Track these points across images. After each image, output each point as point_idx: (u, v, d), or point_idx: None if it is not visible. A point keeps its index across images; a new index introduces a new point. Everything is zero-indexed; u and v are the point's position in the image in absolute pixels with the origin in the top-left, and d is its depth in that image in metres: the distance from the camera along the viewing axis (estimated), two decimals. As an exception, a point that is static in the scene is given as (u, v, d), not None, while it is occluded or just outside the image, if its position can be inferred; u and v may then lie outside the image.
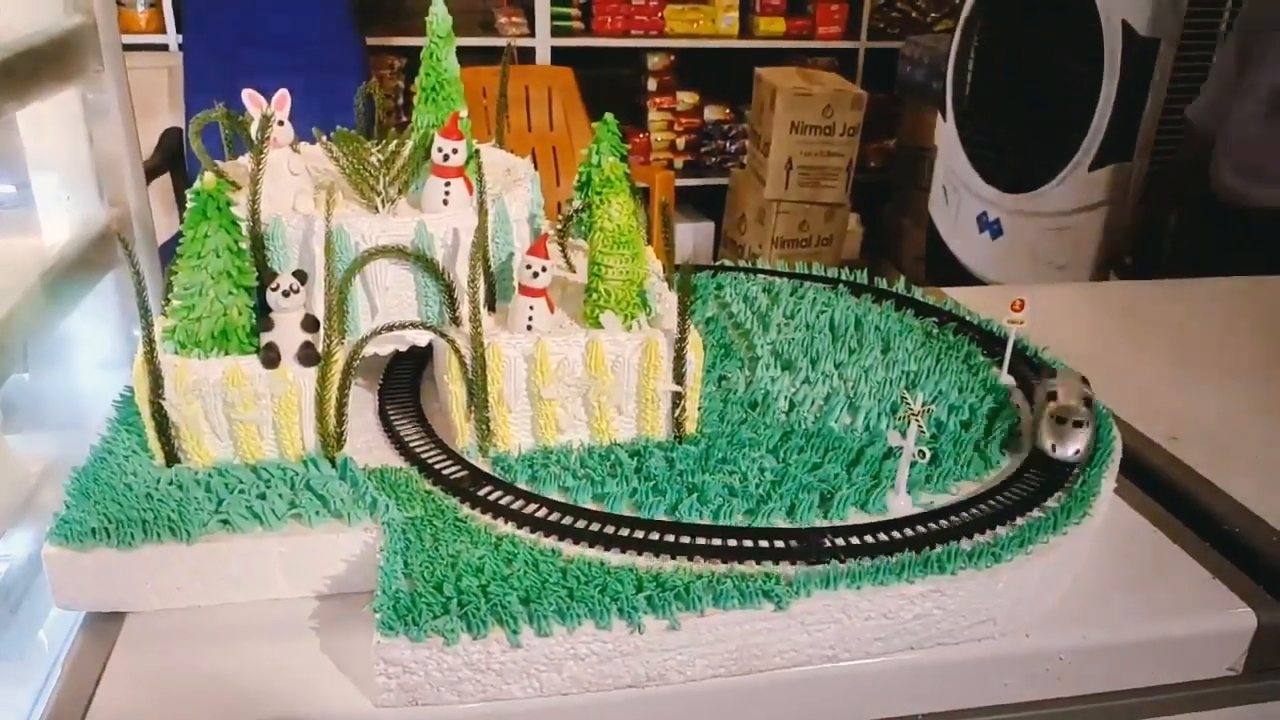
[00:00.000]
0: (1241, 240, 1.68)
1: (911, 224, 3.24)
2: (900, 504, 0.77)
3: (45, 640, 0.88)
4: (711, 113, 3.33)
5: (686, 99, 3.29)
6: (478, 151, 0.84)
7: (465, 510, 0.74)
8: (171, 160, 2.37)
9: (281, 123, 0.80)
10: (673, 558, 0.69)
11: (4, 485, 0.89)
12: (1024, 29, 2.43)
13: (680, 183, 3.10)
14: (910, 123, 3.29)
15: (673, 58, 3.23)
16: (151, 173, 2.26)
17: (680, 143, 3.32)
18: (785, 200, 3.07)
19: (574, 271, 0.91)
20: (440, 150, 0.80)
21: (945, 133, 2.66)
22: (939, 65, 2.74)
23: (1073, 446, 0.80)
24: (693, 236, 3.31)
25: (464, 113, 0.84)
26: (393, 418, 0.85)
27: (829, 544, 0.70)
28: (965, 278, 2.56)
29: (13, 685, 0.83)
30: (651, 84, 3.25)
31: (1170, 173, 1.92)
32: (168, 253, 0.75)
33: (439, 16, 0.84)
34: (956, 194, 2.62)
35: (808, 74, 3.10)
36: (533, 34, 2.98)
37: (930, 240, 2.79)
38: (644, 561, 0.69)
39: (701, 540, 0.70)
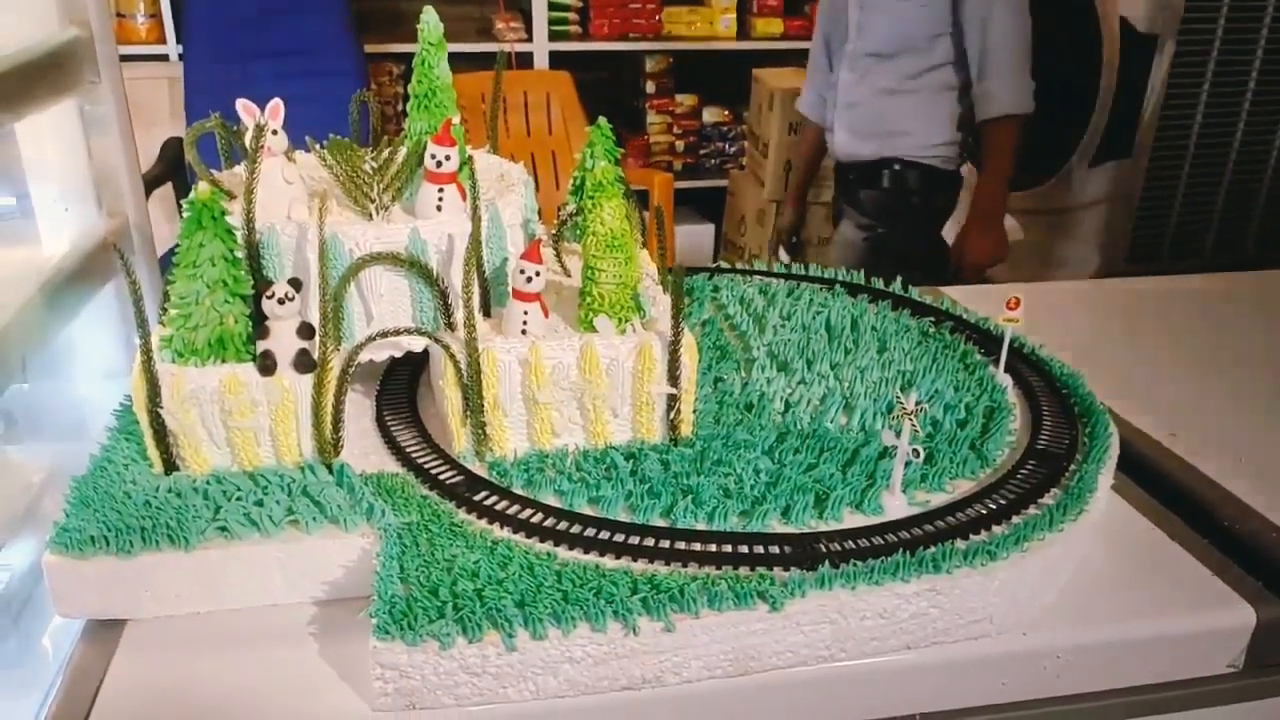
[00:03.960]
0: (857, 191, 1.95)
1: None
2: (895, 504, 0.77)
3: (49, 648, 0.88)
4: (710, 115, 3.33)
5: (685, 101, 3.29)
6: (471, 157, 0.84)
7: (461, 515, 0.74)
8: (173, 170, 2.39)
9: (275, 132, 0.81)
10: (667, 563, 0.69)
11: (5, 495, 0.90)
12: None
13: (679, 185, 3.10)
14: (910, 122, 3.28)
15: (670, 60, 3.23)
16: (153, 182, 2.28)
17: (679, 145, 3.32)
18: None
19: (569, 276, 0.91)
20: (433, 157, 0.80)
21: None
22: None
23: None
24: (692, 238, 3.32)
25: (457, 119, 0.85)
26: (389, 423, 0.85)
27: (824, 549, 0.70)
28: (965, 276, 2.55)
29: (16, 693, 0.84)
30: (650, 86, 3.25)
31: (803, 169, 2.21)
32: (170, 262, 0.75)
33: (430, 24, 0.85)
34: (956, 193, 2.61)
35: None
36: (530, 39, 2.98)
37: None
38: (639, 564, 0.70)
39: (697, 546, 0.71)
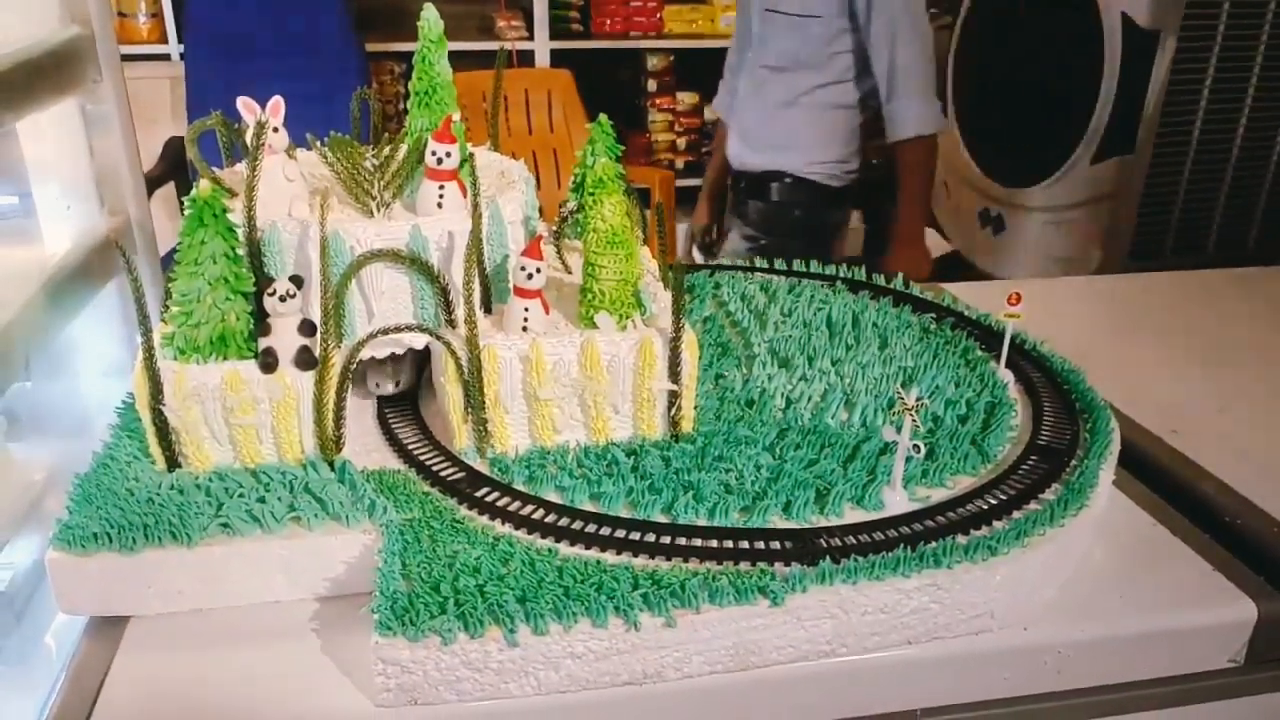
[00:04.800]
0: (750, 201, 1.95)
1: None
2: (896, 499, 0.77)
3: (52, 645, 0.89)
4: (711, 113, 3.33)
5: (686, 99, 3.29)
6: (472, 154, 0.84)
7: (463, 511, 0.75)
8: (175, 169, 2.39)
9: (276, 129, 0.81)
10: (668, 559, 0.70)
11: (8, 493, 0.90)
12: (1024, 23, 2.43)
13: (681, 183, 3.10)
14: (911, 119, 3.27)
15: (672, 58, 3.23)
16: (155, 182, 2.28)
17: (681, 143, 3.32)
18: (787, 199, 3.06)
19: (570, 273, 0.91)
20: (434, 154, 0.80)
21: (946, 129, 2.65)
22: (939, 61, 2.73)
23: (388, 382, 0.87)
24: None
25: (457, 116, 0.85)
26: (391, 420, 0.85)
27: (825, 545, 0.71)
28: (969, 273, 2.55)
29: (20, 691, 0.84)
30: (651, 85, 3.25)
31: (716, 169, 2.20)
32: (172, 261, 0.76)
33: (430, 21, 0.85)
34: (958, 190, 2.62)
35: (808, 72, 3.09)
36: (532, 37, 2.98)
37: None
38: (640, 559, 0.70)
39: (698, 542, 0.71)
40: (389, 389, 0.87)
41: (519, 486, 0.77)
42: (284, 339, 0.75)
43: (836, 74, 1.81)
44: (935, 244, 1.97)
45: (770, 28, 1.84)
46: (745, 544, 0.71)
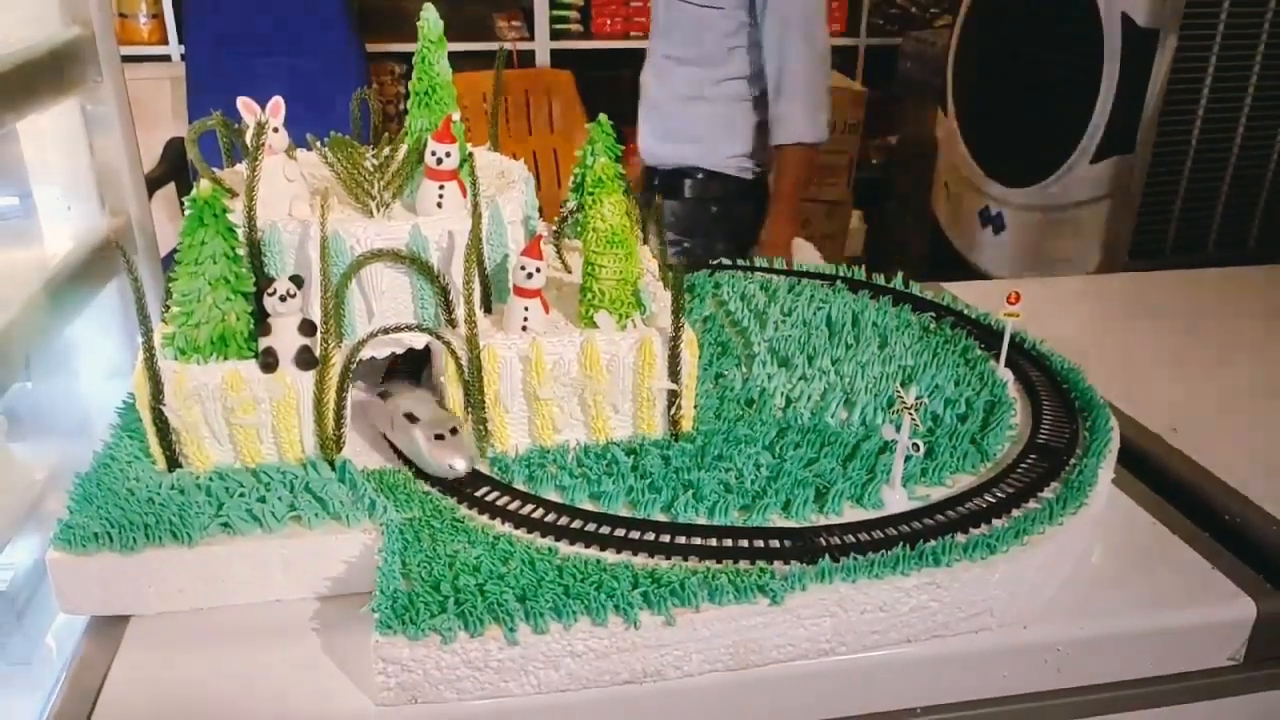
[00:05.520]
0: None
1: (914, 220, 3.23)
2: (895, 498, 0.77)
3: (53, 645, 0.89)
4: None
5: (687, 99, 3.29)
6: (471, 154, 0.84)
7: (463, 510, 0.75)
8: (176, 170, 2.39)
9: (276, 129, 0.81)
10: (668, 557, 0.70)
11: (8, 493, 0.90)
12: (1024, 22, 2.43)
13: (682, 183, 3.10)
14: (911, 119, 3.28)
15: (672, 58, 3.23)
16: (156, 182, 2.28)
17: (681, 143, 3.32)
18: (787, 199, 3.06)
19: (570, 272, 0.91)
20: (434, 154, 0.80)
21: (946, 128, 2.65)
22: (939, 61, 2.73)
23: (461, 458, 0.75)
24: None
25: (457, 116, 0.85)
26: (391, 420, 0.85)
27: (824, 543, 0.71)
28: (969, 273, 2.55)
29: (21, 690, 0.84)
30: (652, 85, 3.25)
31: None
32: (172, 262, 0.76)
33: (430, 21, 0.85)
34: (958, 189, 2.62)
35: (807, 72, 3.09)
36: (532, 37, 2.99)
37: (933, 236, 2.79)
38: (640, 558, 0.70)
39: (698, 540, 0.71)
40: (460, 467, 0.75)
41: (519, 486, 0.77)
42: (284, 339, 0.75)
43: (738, 69, 1.79)
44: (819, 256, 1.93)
45: (674, 16, 1.82)
46: (745, 543, 0.71)
